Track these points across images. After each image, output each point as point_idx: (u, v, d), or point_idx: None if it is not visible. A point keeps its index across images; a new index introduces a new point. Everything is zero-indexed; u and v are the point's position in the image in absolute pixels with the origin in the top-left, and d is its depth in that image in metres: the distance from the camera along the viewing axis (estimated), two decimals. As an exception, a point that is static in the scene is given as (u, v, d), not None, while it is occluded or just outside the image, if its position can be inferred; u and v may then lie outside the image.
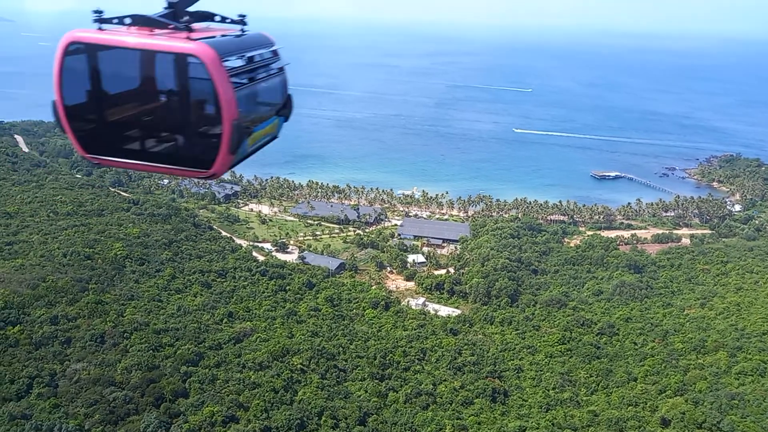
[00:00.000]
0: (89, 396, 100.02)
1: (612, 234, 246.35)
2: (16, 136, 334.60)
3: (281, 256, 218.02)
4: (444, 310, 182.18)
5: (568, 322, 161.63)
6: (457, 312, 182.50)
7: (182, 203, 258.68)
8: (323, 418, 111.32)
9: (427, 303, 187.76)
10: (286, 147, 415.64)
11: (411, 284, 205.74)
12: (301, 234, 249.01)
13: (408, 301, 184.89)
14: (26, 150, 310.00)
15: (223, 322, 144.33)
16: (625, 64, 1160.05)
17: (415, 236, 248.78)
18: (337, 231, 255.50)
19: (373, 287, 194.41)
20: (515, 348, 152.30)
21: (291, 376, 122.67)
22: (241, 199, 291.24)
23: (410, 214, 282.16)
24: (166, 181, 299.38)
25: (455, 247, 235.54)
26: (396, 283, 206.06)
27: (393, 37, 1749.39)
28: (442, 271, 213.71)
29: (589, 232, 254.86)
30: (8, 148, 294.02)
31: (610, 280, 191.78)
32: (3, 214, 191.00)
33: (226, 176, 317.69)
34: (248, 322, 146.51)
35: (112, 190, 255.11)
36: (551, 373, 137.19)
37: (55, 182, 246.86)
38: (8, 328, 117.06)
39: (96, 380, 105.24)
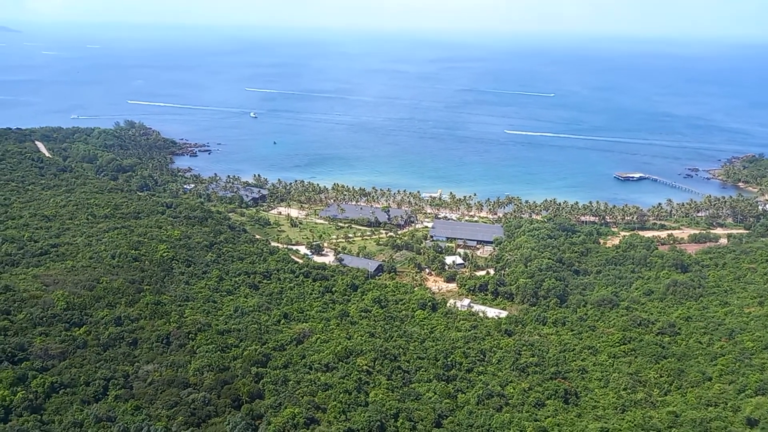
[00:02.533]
0: (168, 398, 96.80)
1: (648, 234, 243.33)
2: (36, 142, 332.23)
3: (317, 258, 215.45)
4: (491, 312, 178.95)
5: (624, 322, 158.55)
6: (504, 313, 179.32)
7: (212, 206, 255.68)
8: (400, 420, 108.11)
9: (472, 304, 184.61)
10: (304, 151, 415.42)
11: (452, 286, 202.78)
12: (334, 236, 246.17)
13: (455, 303, 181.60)
14: (48, 155, 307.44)
15: (281, 323, 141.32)
16: (634, 68, 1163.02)
17: (447, 238, 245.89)
18: (368, 233, 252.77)
19: (416, 289, 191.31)
20: (575, 349, 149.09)
21: (359, 377, 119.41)
22: (267, 202, 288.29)
23: (439, 216, 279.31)
24: (190, 186, 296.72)
25: (492, 249, 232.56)
26: (437, 284, 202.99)
27: (399, 44, 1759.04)
28: (482, 273, 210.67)
29: (623, 233, 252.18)
30: (32, 153, 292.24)
31: (658, 279, 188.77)
32: (41, 218, 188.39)
33: (252, 180, 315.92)
34: (305, 324, 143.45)
35: (140, 194, 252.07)
36: (619, 373, 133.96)
37: (84, 186, 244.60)
38: (74, 329, 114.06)
39: (170, 381, 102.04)
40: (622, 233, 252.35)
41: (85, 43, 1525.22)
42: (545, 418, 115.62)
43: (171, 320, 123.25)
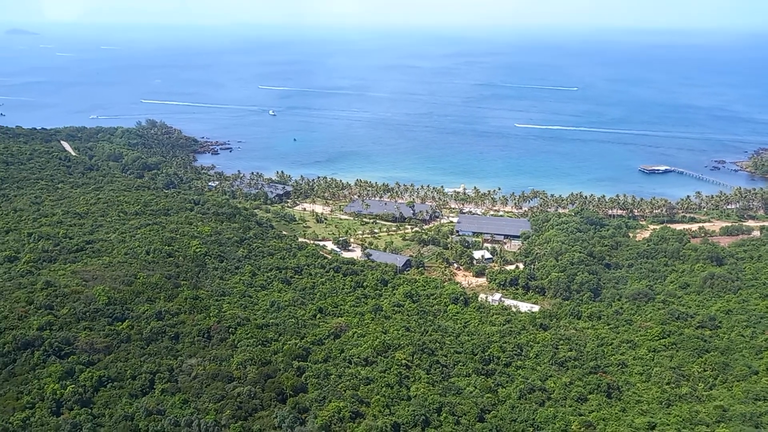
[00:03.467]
0: (214, 391, 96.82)
1: (677, 227, 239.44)
2: (62, 141, 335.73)
3: (345, 254, 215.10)
4: (523, 306, 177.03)
5: (662, 316, 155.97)
6: (536, 307, 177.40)
7: (237, 203, 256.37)
8: (443, 415, 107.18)
9: (503, 299, 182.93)
10: (324, 147, 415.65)
11: (482, 280, 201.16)
12: (360, 232, 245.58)
13: (486, 297, 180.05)
14: (74, 154, 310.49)
15: (317, 317, 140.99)
16: (648, 60, 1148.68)
17: (474, 233, 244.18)
18: (394, 228, 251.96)
19: (446, 283, 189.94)
20: (613, 343, 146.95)
21: (399, 371, 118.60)
22: (291, 198, 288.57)
23: (464, 210, 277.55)
24: (214, 183, 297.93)
25: (521, 243, 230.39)
26: (467, 279, 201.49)
27: (412, 40, 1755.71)
28: (511, 267, 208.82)
29: (652, 226, 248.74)
30: (58, 152, 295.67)
31: (693, 272, 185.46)
32: (74, 215, 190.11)
33: (275, 176, 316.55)
34: (340, 318, 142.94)
35: (167, 191, 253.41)
36: (660, 367, 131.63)
37: (112, 184, 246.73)
38: (117, 323, 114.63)
39: (215, 375, 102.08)
40: (651, 226, 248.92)
41: (99, 44, 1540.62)
42: (589, 413, 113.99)
43: (210, 315, 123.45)
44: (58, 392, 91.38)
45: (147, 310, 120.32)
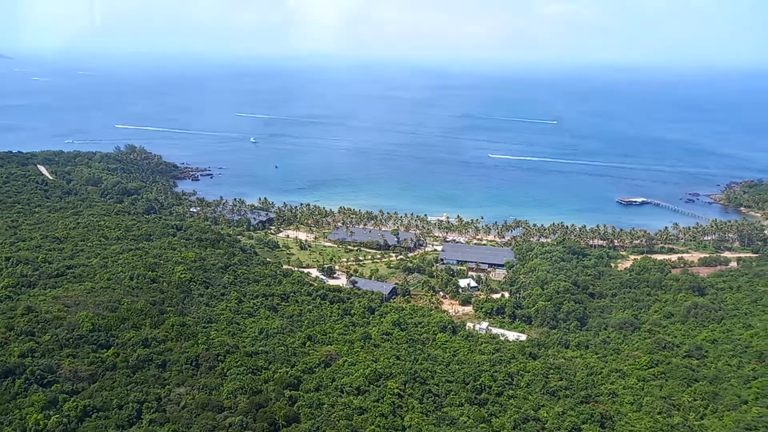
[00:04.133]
0: (204, 422, 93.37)
1: (657, 257, 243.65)
2: (38, 165, 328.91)
3: (330, 281, 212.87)
4: (510, 335, 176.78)
5: (649, 345, 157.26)
6: (524, 336, 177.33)
7: (220, 229, 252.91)
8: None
9: (490, 327, 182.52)
10: (305, 175, 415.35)
11: (468, 309, 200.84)
12: (344, 259, 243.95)
13: (474, 326, 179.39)
14: (51, 178, 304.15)
15: (306, 345, 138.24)
16: (622, 95, 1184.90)
17: (458, 261, 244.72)
18: (378, 256, 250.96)
19: (433, 312, 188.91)
20: (602, 372, 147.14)
21: (392, 401, 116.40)
22: (275, 225, 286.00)
23: (447, 239, 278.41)
24: (195, 209, 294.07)
25: (506, 272, 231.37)
26: (453, 307, 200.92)
27: (392, 72, 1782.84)
28: (496, 295, 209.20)
29: (633, 256, 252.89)
30: (35, 176, 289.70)
31: (676, 302, 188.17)
32: (53, 239, 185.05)
33: (257, 203, 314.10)
34: (329, 346, 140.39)
35: (147, 217, 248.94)
36: (651, 397, 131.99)
37: (91, 209, 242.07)
38: (101, 351, 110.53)
39: (204, 405, 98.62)
40: (632, 257, 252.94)
41: (77, 69, 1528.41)
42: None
43: (198, 342, 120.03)
44: (41, 422, 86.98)
45: (133, 337, 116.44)
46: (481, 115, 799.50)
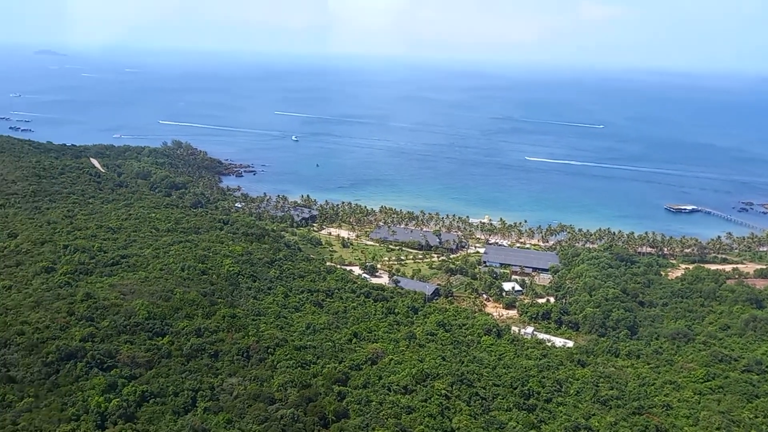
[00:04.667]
0: (257, 413, 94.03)
1: (710, 267, 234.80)
2: (91, 158, 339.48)
3: (372, 280, 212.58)
4: (556, 341, 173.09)
5: (704, 358, 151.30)
6: (570, 343, 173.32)
7: (264, 225, 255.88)
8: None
9: (535, 332, 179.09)
10: (346, 174, 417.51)
11: (512, 312, 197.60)
12: (386, 258, 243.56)
13: (519, 330, 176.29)
14: (103, 171, 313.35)
15: (353, 342, 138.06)
16: (666, 100, 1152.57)
17: (501, 264, 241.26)
18: (420, 256, 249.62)
19: (477, 314, 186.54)
20: (655, 383, 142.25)
21: (440, 401, 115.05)
22: (317, 222, 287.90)
23: (490, 241, 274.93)
24: (240, 205, 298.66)
25: (551, 276, 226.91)
26: (497, 310, 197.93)
27: (428, 74, 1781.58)
28: (541, 300, 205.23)
29: (683, 265, 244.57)
30: (88, 168, 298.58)
31: (732, 314, 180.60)
32: (107, 229, 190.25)
33: (299, 200, 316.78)
34: (375, 344, 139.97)
35: (195, 210, 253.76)
36: (708, 411, 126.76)
37: (141, 201, 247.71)
38: (157, 338, 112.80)
39: (256, 396, 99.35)
40: (683, 266, 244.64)
41: (124, 67, 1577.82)
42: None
43: (249, 334, 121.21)
44: (102, 405, 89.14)
45: (186, 326, 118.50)
46: (521, 118, 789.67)
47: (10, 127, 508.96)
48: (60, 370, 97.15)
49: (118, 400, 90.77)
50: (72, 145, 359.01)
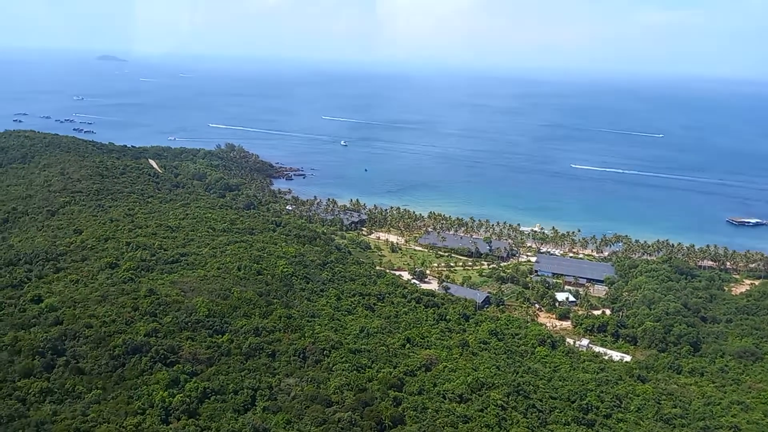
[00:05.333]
0: (315, 414, 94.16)
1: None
2: (149, 159, 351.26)
3: (422, 285, 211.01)
4: (613, 354, 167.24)
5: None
6: (628, 357, 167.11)
7: (315, 228, 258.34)
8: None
9: (591, 345, 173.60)
10: (394, 178, 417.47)
11: (566, 324, 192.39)
12: (435, 264, 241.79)
13: (574, 342, 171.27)
14: (161, 172, 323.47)
15: (406, 347, 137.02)
16: (725, 108, 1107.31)
17: (553, 273, 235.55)
18: (470, 264, 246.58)
19: (529, 324, 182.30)
20: (721, 403, 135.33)
21: (497, 412, 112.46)
22: (366, 227, 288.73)
23: (542, 250, 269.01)
24: (290, 207, 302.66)
25: (608, 288, 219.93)
26: (550, 321, 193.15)
27: (478, 80, 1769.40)
28: (596, 312, 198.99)
29: (748, 281, 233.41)
30: (147, 169, 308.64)
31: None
32: (166, 228, 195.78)
33: (348, 204, 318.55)
34: (428, 350, 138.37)
35: (248, 212, 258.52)
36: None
37: (198, 202, 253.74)
38: (216, 336, 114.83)
39: (313, 398, 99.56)
40: (747, 281, 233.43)
41: (178, 72, 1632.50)
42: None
43: (305, 335, 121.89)
44: (166, 400, 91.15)
45: (245, 325, 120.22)
46: (573, 126, 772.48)
47: (74, 129, 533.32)
48: (126, 363, 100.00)
49: (181, 395, 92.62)
50: (132, 146, 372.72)
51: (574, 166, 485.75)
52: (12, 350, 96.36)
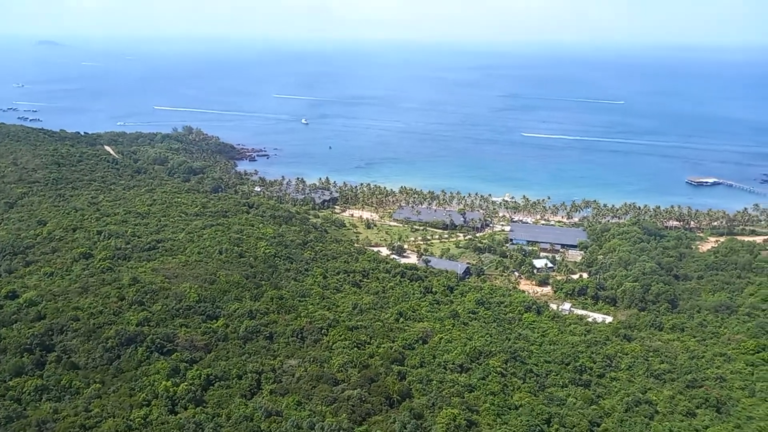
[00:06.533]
0: (323, 394, 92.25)
1: (741, 239, 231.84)
2: (105, 146, 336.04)
3: (402, 260, 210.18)
4: (596, 317, 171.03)
5: (752, 329, 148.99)
6: (609, 318, 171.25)
7: (288, 208, 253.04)
8: (554, 426, 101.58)
9: (572, 308, 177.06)
10: (359, 155, 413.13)
11: (546, 290, 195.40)
12: (411, 238, 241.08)
13: (558, 307, 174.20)
14: (118, 157, 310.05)
15: (400, 321, 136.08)
16: (679, 74, 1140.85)
17: (528, 241, 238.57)
18: (445, 236, 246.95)
19: (512, 292, 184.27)
20: (704, 356, 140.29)
21: (498, 379, 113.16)
22: (338, 205, 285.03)
23: (514, 219, 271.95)
24: (258, 188, 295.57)
25: (580, 252, 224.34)
26: (531, 288, 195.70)
27: (432, 54, 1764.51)
28: (574, 276, 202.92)
29: (712, 238, 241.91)
30: (105, 155, 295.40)
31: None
32: (135, 215, 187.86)
33: (317, 183, 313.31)
34: (421, 323, 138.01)
35: (216, 195, 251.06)
36: (764, 382, 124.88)
37: (162, 187, 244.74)
38: (211, 321, 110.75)
39: (318, 377, 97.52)
40: (711, 239, 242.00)
41: (123, 54, 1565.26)
42: (705, 428, 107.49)
43: (301, 315, 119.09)
44: (170, 389, 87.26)
45: (238, 308, 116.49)
46: (532, 95, 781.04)
47: (19, 117, 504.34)
48: (121, 355, 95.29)
49: (185, 384, 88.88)
50: (85, 133, 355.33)
51: (528, 134, 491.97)
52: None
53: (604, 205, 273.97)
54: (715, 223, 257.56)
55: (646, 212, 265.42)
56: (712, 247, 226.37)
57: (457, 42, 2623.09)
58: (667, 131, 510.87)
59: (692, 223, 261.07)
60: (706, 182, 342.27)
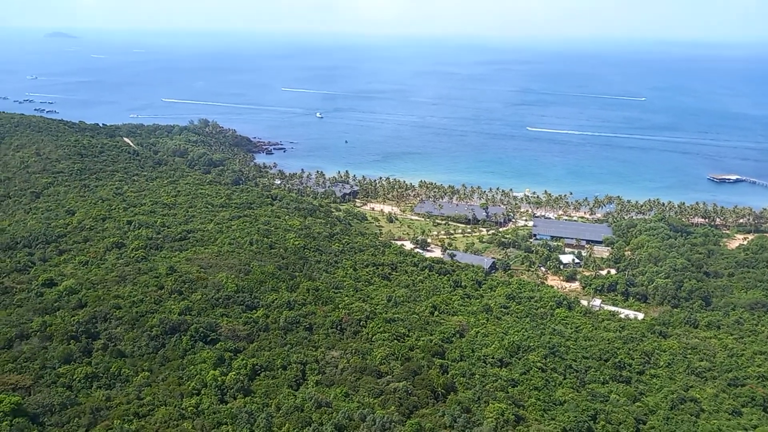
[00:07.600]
0: (369, 386, 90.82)
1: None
2: (125, 138, 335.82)
3: (426, 254, 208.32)
4: (628, 313, 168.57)
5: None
6: (641, 315, 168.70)
7: (310, 201, 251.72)
8: (600, 423, 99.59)
9: (603, 305, 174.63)
10: (376, 149, 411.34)
11: (574, 285, 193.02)
12: (434, 232, 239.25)
13: (588, 303, 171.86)
14: (138, 149, 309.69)
15: (435, 314, 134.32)
16: (691, 71, 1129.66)
17: (552, 237, 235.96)
18: (468, 231, 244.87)
19: (541, 287, 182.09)
20: (744, 354, 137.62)
21: (541, 375, 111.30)
22: (359, 198, 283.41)
23: (536, 214, 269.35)
24: (278, 181, 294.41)
25: (606, 248, 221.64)
26: (558, 283, 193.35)
27: (441, 49, 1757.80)
28: (602, 272, 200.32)
29: (739, 235, 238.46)
30: (125, 147, 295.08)
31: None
32: (162, 205, 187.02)
33: (336, 176, 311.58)
34: (456, 316, 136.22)
35: (238, 187, 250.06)
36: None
37: (184, 178, 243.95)
38: (251, 312, 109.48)
39: (362, 369, 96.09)
40: (738, 236, 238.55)
41: (132, 48, 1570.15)
42: (753, 428, 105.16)
43: (339, 306, 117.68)
44: (218, 379, 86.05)
45: (276, 299, 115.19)
46: (544, 91, 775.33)
47: (35, 109, 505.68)
48: (166, 343, 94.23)
49: (234, 374, 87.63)
50: (104, 124, 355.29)
51: (541, 129, 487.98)
52: (42, 336, 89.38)
53: (628, 201, 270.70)
54: (742, 221, 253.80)
55: (670, 208, 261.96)
56: (741, 244, 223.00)
57: (464, 38, 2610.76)
58: (683, 127, 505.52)
59: (718, 219, 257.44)
60: (729, 179, 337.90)
